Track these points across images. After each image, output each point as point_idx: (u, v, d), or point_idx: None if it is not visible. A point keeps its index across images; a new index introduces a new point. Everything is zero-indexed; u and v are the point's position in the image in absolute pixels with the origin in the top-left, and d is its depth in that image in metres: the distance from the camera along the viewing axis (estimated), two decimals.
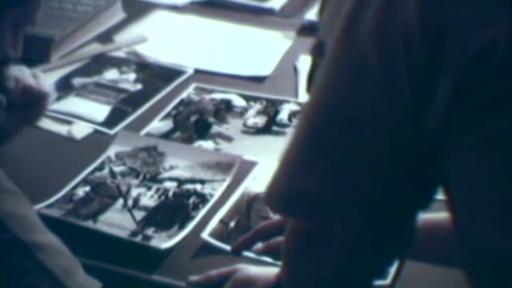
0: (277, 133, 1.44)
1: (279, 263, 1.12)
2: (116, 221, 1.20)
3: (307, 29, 1.80)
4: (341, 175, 0.80)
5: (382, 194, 0.80)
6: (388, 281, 1.10)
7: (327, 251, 0.85)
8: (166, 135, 1.43)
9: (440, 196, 0.83)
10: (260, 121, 1.47)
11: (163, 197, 1.26)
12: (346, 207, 0.81)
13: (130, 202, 1.24)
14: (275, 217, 1.21)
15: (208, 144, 1.41)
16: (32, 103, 1.28)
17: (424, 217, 0.93)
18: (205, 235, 1.18)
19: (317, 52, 0.83)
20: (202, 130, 1.45)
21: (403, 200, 0.81)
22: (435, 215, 0.96)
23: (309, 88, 0.85)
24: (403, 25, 0.73)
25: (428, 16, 0.72)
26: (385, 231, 0.83)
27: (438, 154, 0.77)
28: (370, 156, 0.78)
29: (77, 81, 1.61)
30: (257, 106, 1.51)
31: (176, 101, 1.53)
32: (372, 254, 0.85)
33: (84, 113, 1.49)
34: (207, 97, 1.54)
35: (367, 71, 0.75)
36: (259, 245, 1.13)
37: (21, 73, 1.26)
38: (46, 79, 1.33)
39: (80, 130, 1.45)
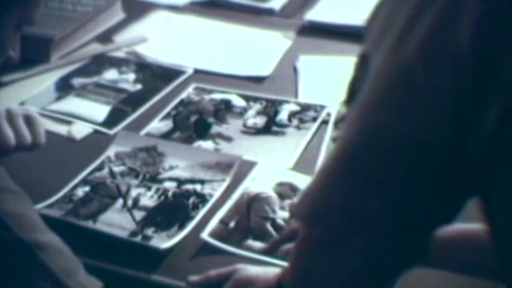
0: (276, 133, 1.44)
1: (280, 263, 1.12)
2: (115, 221, 1.20)
3: (307, 29, 1.81)
4: (379, 193, 0.79)
5: (415, 211, 0.80)
6: None
7: (344, 256, 0.84)
8: (166, 135, 1.43)
9: None
10: (260, 121, 1.47)
11: (162, 197, 1.26)
12: (377, 224, 0.81)
13: (129, 202, 1.24)
14: (276, 216, 1.21)
15: (207, 144, 1.41)
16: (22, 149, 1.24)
17: (455, 227, 0.94)
18: (205, 235, 1.18)
19: (361, 65, 0.82)
20: (201, 130, 1.45)
21: (434, 216, 0.81)
22: (466, 225, 0.96)
23: (348, 99, 0.84)
24: (454, 47, 0.72)
25: (481, 39, 0.71)
26: (408, 244, 0.83)
27: (479, 170, 0.76)
28: (409, 175, 0.78)
29: (77, 81, 1.61)
30: (257, 106, 1.51)
31: (175, 101, 1.54)
32: (391, 264, 0.85)
33: (84, 113, 1.49)
34: (206, 97, 1.54)
35: (414, 92, 0.74)
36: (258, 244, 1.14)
37: (14, 115, 1.22)
38: (42, 123, 1.27)
39: (80, 130, 1.45)
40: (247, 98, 1.54)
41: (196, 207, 1.24)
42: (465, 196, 0.81)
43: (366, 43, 0.82)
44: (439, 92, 0.73)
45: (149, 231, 1.18)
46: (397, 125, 0.77)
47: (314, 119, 1.47)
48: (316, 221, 0.85)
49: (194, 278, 1.11)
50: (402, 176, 0.78)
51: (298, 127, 1.45)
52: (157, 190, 1.28)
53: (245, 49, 1.74)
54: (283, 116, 1.48)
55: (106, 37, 1.77)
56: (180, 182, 1.29)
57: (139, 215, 1.22)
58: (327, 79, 1.62)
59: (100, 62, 1.68)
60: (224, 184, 1.29)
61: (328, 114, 1.47)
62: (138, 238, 1.17)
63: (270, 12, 1.90)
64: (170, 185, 1.29)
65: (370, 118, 0.79)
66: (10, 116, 1.21)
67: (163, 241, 1.15)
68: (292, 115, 1.48)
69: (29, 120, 1.23)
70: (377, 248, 0.82)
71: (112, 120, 1.48)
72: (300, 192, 1.22)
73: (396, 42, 0.75)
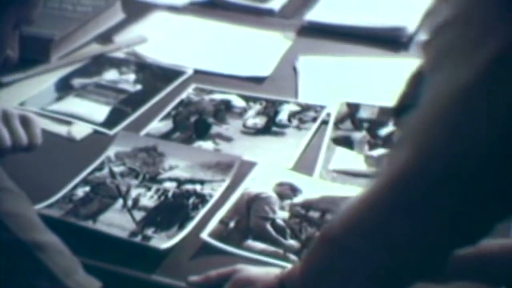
0: (276, 134, 1.44)
1: (280, 263, 1.12)
2: (115, 221, 1.20)
3: (306, 30, 1.81)
4: (435, 217, 0.78)
5: (471, 231, 0.80)
6: None
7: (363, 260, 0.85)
8: (166, 136, 1.44)
9: None
10: (260, 121, 1.47)
11: (162, 198, 1.26)
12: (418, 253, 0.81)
13: (129, 203, 1.24)
14: (276, 216, 1.21)
15: (207, 145, 1.41)
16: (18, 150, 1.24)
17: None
18: (205, 235, 1.18)
19: (414, 82, 0.82)
20: (201, 131, 1.45)
21: (482, 233, 0.81)
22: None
23: (397, 114, 0.84)
24: None
25: None
26: (441, 261, 0.83)
27: None
28: (469, 196, 0.76)
29: (77, 81, 1.61)
30: (257, 107, 1.51)
31: (175, 102, 1.54)
32: (410, 276, 0.85)
33: (84, 114, 1.49)
34: (206, 97, 1.54)
35: (474, 114, 0.73)
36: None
37: (10, 116, 1.21)
38: (38, 124, 1.26)
39: (80, 130, 1.45)
40: (247, 99, 1.54)
41: (196, 207, 1.24)
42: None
43: (423, 62, 0.81)
44: (499, 115, 0.72)
45: (149, 231, 1.18)
46: (457, 146, 0.75)
47: (314, 119, 1.47)
48: (351, 245, 0.84)
49: (194, 278, 1.11)
50: (463, 199, 0.76)
51: (298, 127, 1.45)
52: (157, 190, 1.28)
53: (245, 50, 1.74)
54: (283, 116, 1.48)
55: (106, 37, 1.77)
56: (180, 182, 1.29)
57: (139, 215, 1.22)
58: (327, 79, 1.63)
59: (100, 63, 1.68)
60: (224, 184, 1.29)
61: (328, 114, 1.48)
62: (138, 238, 1.17)
63: (269, 12, 1.90)
64: (170, 185, 1.29)
65: (429, 140, 0.76)
66: (6, 117, 1.21)
67: (163, 241, 1.15)
68: (292, 115, 1.48)
69: (25, 121, 1.23)
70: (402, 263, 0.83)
71: (112, 120, 1.48)
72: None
73: (458, 66, 0.74)
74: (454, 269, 0.92)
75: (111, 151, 1.37)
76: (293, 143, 1.41)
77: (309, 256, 0.96)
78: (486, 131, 0.73)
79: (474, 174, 0.75)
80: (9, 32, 1.01)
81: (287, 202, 1.25)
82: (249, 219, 1.22)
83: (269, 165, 1.34)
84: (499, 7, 0.74)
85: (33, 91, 1.56)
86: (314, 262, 0.94)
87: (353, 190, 1.27)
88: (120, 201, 1.25)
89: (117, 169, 1.33)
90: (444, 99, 0.75)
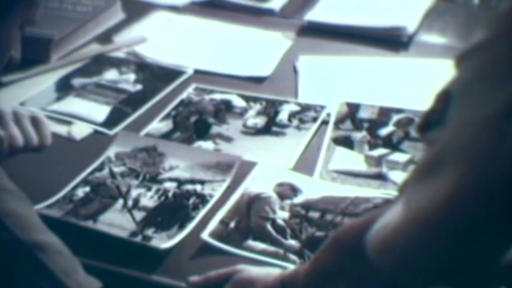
0: (276, 134, 1.44)
1: (280, 263, 1.12)
2: (116, 222, 1.20)
3: (306, 30, 1.81)
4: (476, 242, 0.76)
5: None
6: None
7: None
8: (166, 136, 1.43)
9: None
10: (260, 121, 1.47)
11: (163, 198, 1.26)
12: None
13: (130, 203, 1.24)
14: (276, 216, 1.21)
15: (207, 145, 1.41)
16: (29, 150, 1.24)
17: None
18: (205, 235, 1.18)
19: (442, 99, 0.81)
20: (202, 131, 1.45)
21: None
22: None
23: (422, 128, 0.84)
24: None
25: None
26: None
27: None
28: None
29: (77, 81, 1.61)
30: (257, 107, 1.51)
31: (176, 102, 1.54)
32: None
33: (84, 114, 1.49)
34: (207, 97, 1.54)
35: (501, 142, 0.72)
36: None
37: (21, 116, 1.21)
38: (48, 125, 1.25)
39: (80, 130, 1.45)
40: (247, 99, 1.54)
41: (196, 208, 1.24)
42: None
43: (453, 79, 0.80)
44: None
45: (149, 232, 1.18)
46: (485, 173, 0.73)
47: (314, 119, 1.47)
48: (390, 266, 0.82)
49: (194, 278, 1.11)
50: (500, 222, 0.75)
51: (298, 128, 1.45)
52: (157, 190, 1.28)
53: (245, 50, 1.74)
54: (283, 116, 1.48)
55: (106, 37, 1.77)
56: (180, 182, 1.29)
57: (139, 215, 1.22)
58: (327, 79, 1.63)
59: (100, 63, 1.68)
60: (224, 185, 1.29)
61: (328, 115, 1.48)
62: (138, 238, 1.17)
63: (270, 12, 1.90)
64: (170, 186, 1.29)
65: (475, 163, 0.74)
66: (17, 118, 1.21)
67: (163, 241, 1.15)
68: (292, 115, 1.48)
69: (35, 121, 1.23)
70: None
71: (112, 120, 1.48)
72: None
73: (486, 95, 0.73)
74: None
75: (111, 151, 1.37)
76: (293, 143, 1.41)
77: (318, 258, 0.96)
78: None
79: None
80: (15, 33, 1.01)
81: (287, 202, 1.25)
82: (249, 219, 1.22)
83: (269, 165, 1.34)
84: None
85: (33, 91, 1.57)
86: (323, 264, 0.93)
87: (353, 190, 1.27)
88: (120, 201, 1.25)
89: (117, 169, 1.33)
90: (485, 124, 0.74)
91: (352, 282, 0.88)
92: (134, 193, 1.27)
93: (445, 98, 0.80)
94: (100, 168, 1.33)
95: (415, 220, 0.78)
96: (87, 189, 1.28)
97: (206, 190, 1.27)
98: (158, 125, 1.47)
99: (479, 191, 0.73)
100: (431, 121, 0.82)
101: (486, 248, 0.76)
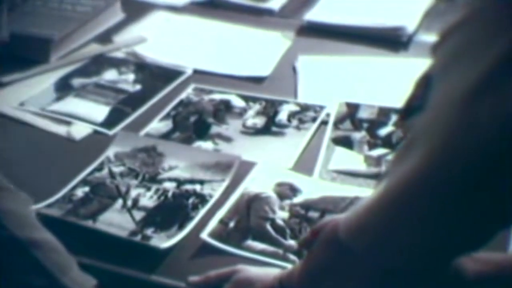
0: (276, 134, 1.44)
1: (280, 263, 1.12)
2: (115, 221, 1.20)
3: (306, 30, 1.81)
4: (438, 224, 0.77)
5: (463, 246, 0.80)
6: None
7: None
8: (166, 136, 1.43)
9: None
10: (259, 121, 1.47)
11: (162, 198, 1.26)
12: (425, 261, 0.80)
13: (129, 203, 1.24)
14: (275, 216, 1.21)
15: (207, 145, 1.41)
16: None
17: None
18: (205, 235, 1.18)
19: (422, 84, 0.81)
20: (201, 131, 1.45)
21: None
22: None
23: (404, 115, 0.83)
24: None
25: None
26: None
27: None
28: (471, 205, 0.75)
29: (76, 81, 1.61)
30: (256, 107, 1.51)
31: (175, 102, 1.54)
32: (413, 282, 0.85)
33: (83, 114, 1.49)
34: (206, 97, 1.54)
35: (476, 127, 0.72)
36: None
37: None
38: None
39: (79, 130, 1.45)
40: (246, 99, 1.54)
41: (195, 207, 1.24)
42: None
43: (432, 64, 0.80)
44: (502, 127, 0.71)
45: (149, 231, 1.18)
46: (471, 145, 0.73)
47: (314, 120, 1.47)
48: (355, 247, 0.84)
49: (193, 278, 1.11)
50: (480, 198, 0.75)
51: (297, 128, 1.45)
52: (157, 190, 1.28)
53: (245, 49, 1.74)
54: (282, 116, 1.48)
55: (105, 37, 1.77)
56: (179, 182, 1.29)
57: (138, 215, 1.22)
58: (327, 79, 1.62)
59: (99, 63, 1.68)
60: (224, 184, 1.29)
61: (328, 115, 1.47)
62: (137, 238, 1.17)
63: (269, 12, 1.90)
64: (170, 186, 1.29)
65: (442, 141, 0.75)
66: None
67: (163, 241, 1.15)
68: (291, 115, 1.48)
69: None
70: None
71: (111, 120, 1.48)
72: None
73: (468, 68, 0.74)
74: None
75: (110, 151, 1.37)
76: (292, 143, 1.41)
77: (310, 256, 0.96)
78: (496, 131, 0.72)
79: (489, 172, 0.73)
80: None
81: (287, 202, 1.25)
82: (249, 219, 1.22)
83: (269, 165, 1.34)
84: (510, 9, 0.74)
85: (33, 91, 1.56)
86: (315, 262, 0.94)
87: (353, 190, 1.27)
88: (119, 201, 1.25)
89: (117, 169, 1.33)
90: (455, 100, 0.74)
91: (343, 278, 0.88)
92: (133, 193, 1.27)
93: (425, 83, 0.80)
94: (99, 168, 1.33)
95: (387, 198, 0.79)
96: (87, 189, 1.28)
97: (206, 190, 1.27)
98: (158, 125, 1.47)
99: (449, 164, 0.74)
100: (412, 107, 0.82)
101: (459, 223, 0.76)
